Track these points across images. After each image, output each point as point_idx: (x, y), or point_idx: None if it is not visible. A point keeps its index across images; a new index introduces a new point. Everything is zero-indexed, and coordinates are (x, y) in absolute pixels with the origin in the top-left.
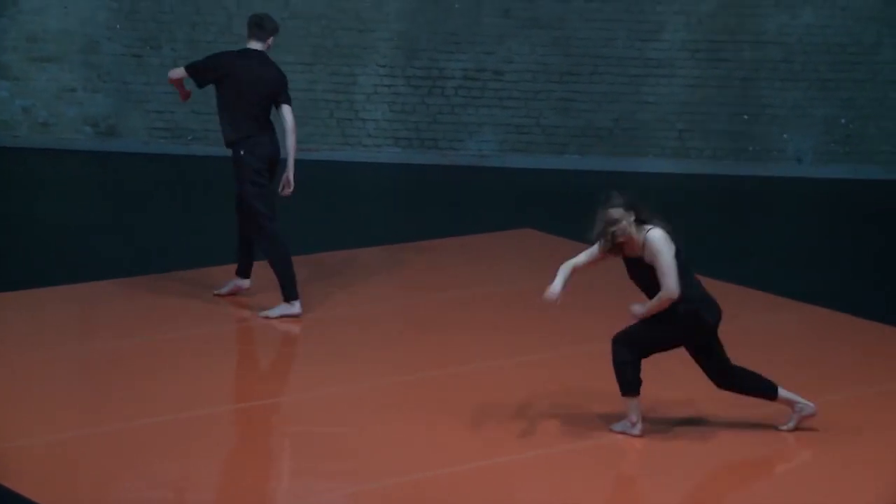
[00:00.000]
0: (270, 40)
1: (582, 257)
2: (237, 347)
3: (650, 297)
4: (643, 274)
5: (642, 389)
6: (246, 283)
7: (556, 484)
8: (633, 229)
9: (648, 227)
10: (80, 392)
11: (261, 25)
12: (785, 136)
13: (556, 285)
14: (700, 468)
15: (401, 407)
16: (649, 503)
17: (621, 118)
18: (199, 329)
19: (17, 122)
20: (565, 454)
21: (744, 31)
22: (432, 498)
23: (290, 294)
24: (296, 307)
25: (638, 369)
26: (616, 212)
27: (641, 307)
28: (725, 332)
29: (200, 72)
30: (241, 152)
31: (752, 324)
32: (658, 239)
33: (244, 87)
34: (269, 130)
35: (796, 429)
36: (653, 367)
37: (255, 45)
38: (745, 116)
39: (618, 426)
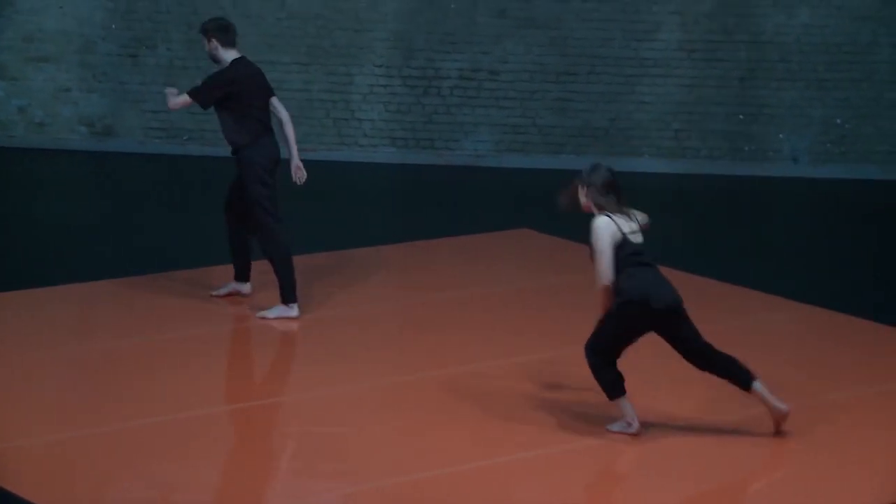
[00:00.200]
0: None
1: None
2: (235, 348)
3: None
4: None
5: (639, 389)
6: (246, 287)
7: (554, 484)
8: (587, 201)
9: (602, 213)
10: (79, 392)
11: (233, 30)
12: (781, 135)
13: None
14: (698, 468)
15: (399, 407)
16: (647, 503)
17: (618, 118)
18: (197, 329)
19: (12, 122)
20: (564, 454)
21: (740, 31)
22: (431, 498)
23: (288, 297)
24: (293, 310)
25: (614, 370)
26: (590, 175)
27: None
28: (723, 332)
29: (206, 94)
30: (249, 154)
31: (748, 324)
32: (598, 226)
33: (250, 95)
34: (272, 132)
35: (776, 432)
36: (653, 368)
37: (234, 51)
38: (742, 116)
39: (615, 426)
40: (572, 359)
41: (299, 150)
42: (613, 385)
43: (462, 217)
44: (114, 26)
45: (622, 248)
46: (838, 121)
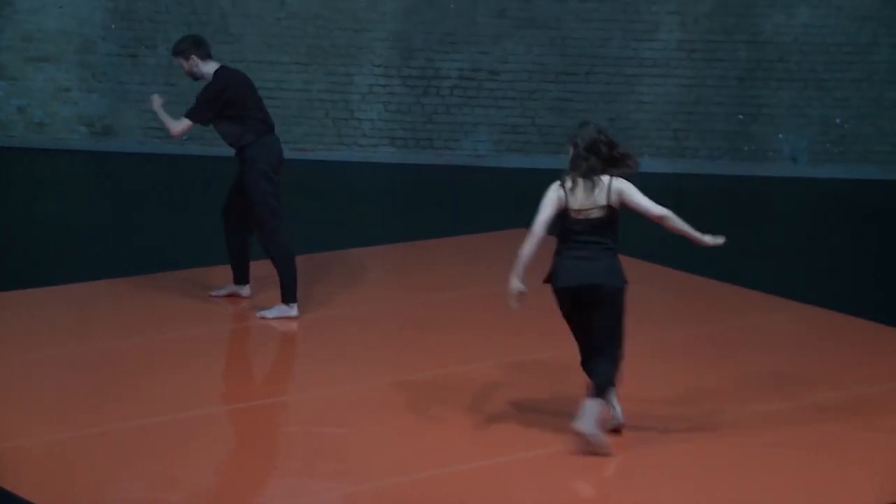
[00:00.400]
0: None
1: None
2: (235, 348)
3: None
4: None
5: (638, 389)
6: (246, 290)
7: (554, 484)
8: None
9: (564, 177)
10: (79, 392)
11: (207, 42)
12: (781, 135)
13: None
14: (697, 468)
15: (399, 407)
16: (647, 503)
17: (617, 118)
18: (197, 329)
19: (12, 122)
20: (564, 454)
21: (739, 31)
22: (430, 498)
23: (289, 296)
24: (293, 310)
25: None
26: (576, 135)
27: None
28: (723, 332)
29: (204, 111)
30: (253, 153)
31: (748, 324)
32: (549, 188)
33: (244, 97)
34: (273, 130)
35: (612, 430)
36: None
37: (212, 62)
38: (741, 116)
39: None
40: (572, 359)
41: (299, 148)
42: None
43: (462, 217)
44: (113, 26)
45: (563, 220)
46: (838, 121)
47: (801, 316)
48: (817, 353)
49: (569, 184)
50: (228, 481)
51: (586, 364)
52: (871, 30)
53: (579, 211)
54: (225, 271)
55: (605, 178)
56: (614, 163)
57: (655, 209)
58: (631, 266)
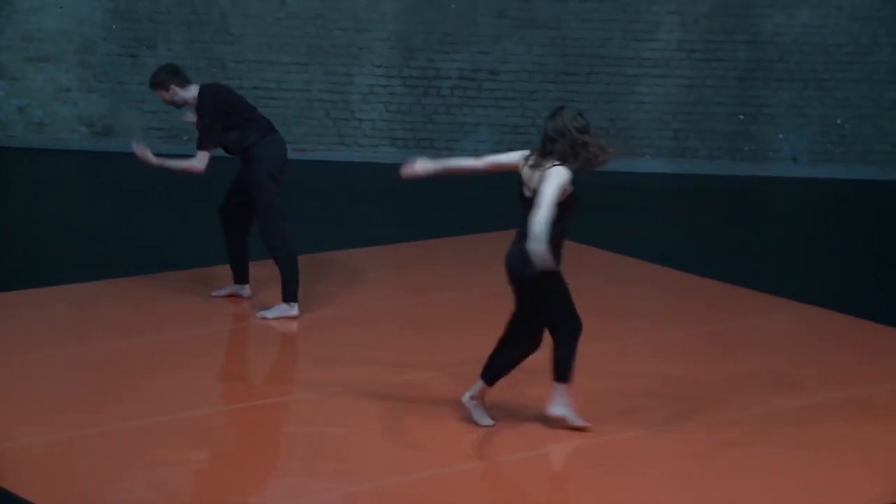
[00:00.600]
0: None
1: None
2: (235, 348)
3: None
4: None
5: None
6: (246, 290)
7: (554, 484)
8: None
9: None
10: (79, 392)
11: (181, 68)
12: (781, 135)
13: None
14: (697, 468)
15: (399, 407)
16: (647, 503)
17: (617, 118)
18: (197, 329)
19: (12, 122)
20: (564, 454)
21: (739, 31)
22: (430, 498)
23: (290, 296)
24: (294, 309)
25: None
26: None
27: None
28: (723, 332)
29: (212, 136)
30: (258, 152)
31: (748, 324)
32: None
33: (237, 105)
34: (276, 130)
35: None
36: (652, 370)
37: (192, 84)
38: (742, 116)
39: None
40: None
41: (299, 149)
42: None
43: (462, 217)
44: (114, 26)
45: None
46: (838, 121)
47: (801, 316)
48: (817, 353)
49: (531, 158)
50: (228, 481)
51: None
52: (871, 30)
53: (523, 185)
54: (225, 271)
55: (549, 163)
56: (576, 153)
57: (538, 211)
58: (631, 266)
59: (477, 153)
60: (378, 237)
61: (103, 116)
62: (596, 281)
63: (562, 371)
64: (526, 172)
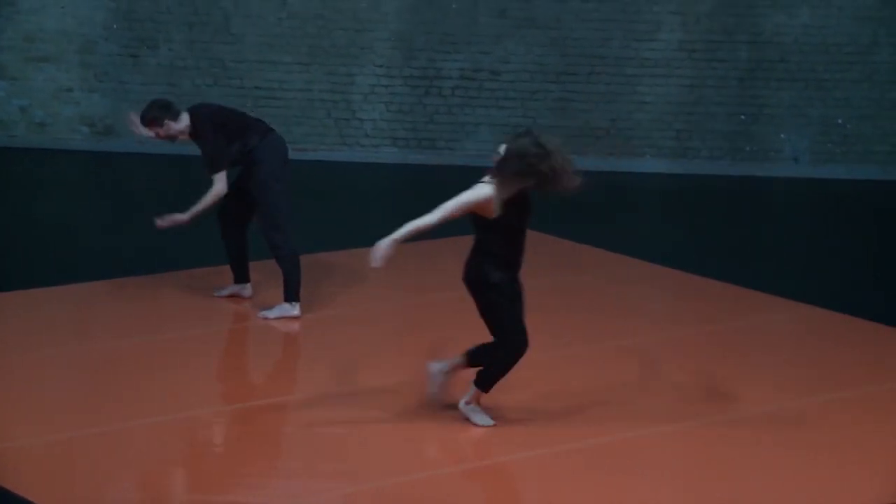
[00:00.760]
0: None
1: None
2: (235, 348)
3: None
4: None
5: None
6: (247, 289)
7: (554, 484)
8: None
9: None
10: (79, 392)
11: (169, 100)
12: (782, 136)
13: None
14: (697, 468)
15: (399, 407)
16: (647, 503)
17: (618, 118)
18: (197, 329)
19: (13, 122)
20: (564, 454)
21: (740, 31)
22: (430, 498)
23: (292, 295)
24: (296, 309)
25: None
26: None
27: None
28: (723, 332)
29: (221, 159)
30: (260, 153)
31: (748, 324)
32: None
33: (230, 117)
34: (273, 130)
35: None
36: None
37: (183, 113)
38: (743, 116)
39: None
40: (572, 359)
41: (300, 149)
42: None
43: (463, 217)
44: (115, 26)
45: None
46: (839, 121)
47: (802, 316)
48: (817, 353)
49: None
50: (228, 481)
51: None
52: (871, 30)
53: None
54: (226, 271)
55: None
56: (526, 175)
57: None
58: (631, 266)
59: (478, 154)
60: (379, 237)
61: (104, 116)
62: (596, 281)
63: (482, 379)
64: None
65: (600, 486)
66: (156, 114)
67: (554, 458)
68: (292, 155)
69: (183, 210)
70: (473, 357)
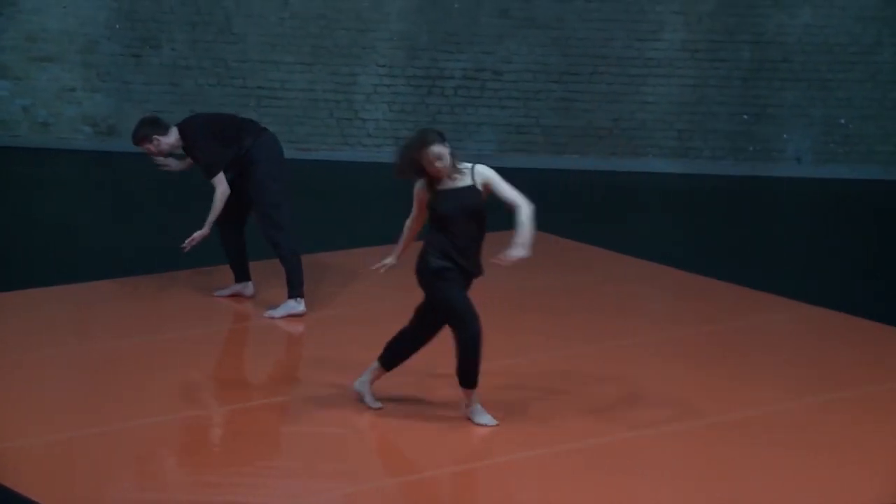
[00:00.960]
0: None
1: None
2: (236, 348)
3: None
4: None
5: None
6: (249, 288)
7: (554, 484)
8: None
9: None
10: (79, 392)
11: (158, 117)
12: (784, 136)
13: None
14: (697, 468)
15: (399, 407)
16: (647, 503)
17: (621, 118)
18: (198, 329)
19: (16, 122)
20: (564, 454)
21: (743, 31)
22: (430, 498)
23: (296, 291)
24: (301, 305)
25: None
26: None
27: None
28: (724, 332)
29: (219, 159)
30: (256, 153)
31: (751, 324)
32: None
33: (221, 118)
34: (267, 130)
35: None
36: (650, 370)
37: (172, 127)
38: (745, 116)
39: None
40: (573, 359)
41: (303, 148)
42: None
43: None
44: (117, 26)
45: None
46: (842, 121)
47: (803, 316)
48: (817, 353)
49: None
50: (228, 482)
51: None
52: (874, 30)
53: None
54: (226, 271)
55: None
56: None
57: None
58: (633, 266)
59: (481, 153)
60: (381, 237)
61: (107, 116)
62: (598, 280)
63: (462, 377)
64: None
65: (600, 486)
66: (145, 131)
67: (554, 458)
68: (295, 155)
69: (183, 209)
70: (386, 360)
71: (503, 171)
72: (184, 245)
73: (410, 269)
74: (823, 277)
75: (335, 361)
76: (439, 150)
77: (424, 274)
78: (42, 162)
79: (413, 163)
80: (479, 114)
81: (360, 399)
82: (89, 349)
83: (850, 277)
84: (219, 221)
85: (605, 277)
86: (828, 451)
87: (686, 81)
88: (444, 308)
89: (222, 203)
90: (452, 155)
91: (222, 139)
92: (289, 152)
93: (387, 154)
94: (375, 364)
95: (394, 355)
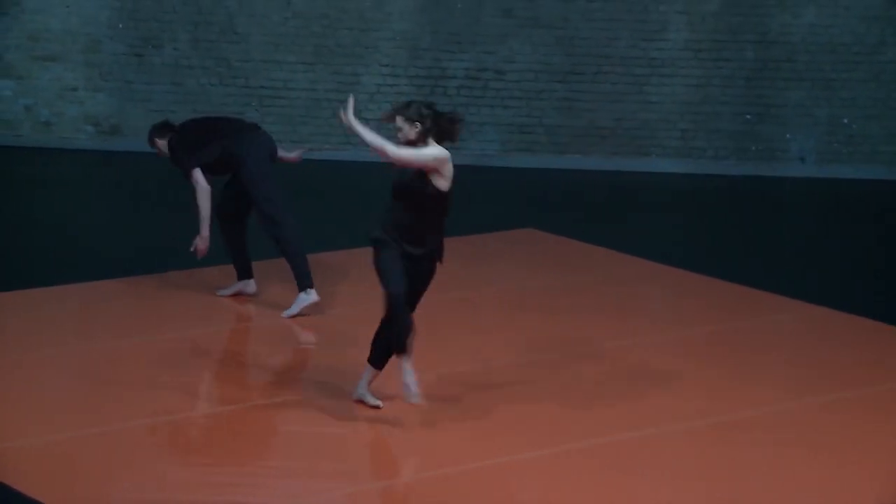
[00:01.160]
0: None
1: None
2: (236, 348)
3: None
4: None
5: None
6: (251, 285)
7: (554, 484)
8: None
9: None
10: (79, 392)
11: (163, 121)
12: (788, 135)
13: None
14: (697, 468)
15: (398, 407)
16: (647, 503)
17: (624, 118)
18: (198, 329)
19: (19, 122)
20: (564, 454)
21: (747, 31)
22: (431, 498)
23: (305, 282)
24: (313, 295)
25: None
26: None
27: None
28: (724, 332)
29: (195, 161)
30: (240, 151)
31: (752, 324)
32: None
33: (213, 121)
34: (258, 129)
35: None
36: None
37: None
38: (749, 116)
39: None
40: (575, 360)
41: (308, 148)
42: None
43: (467, 217)
44: (120, 25)
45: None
46: (845, 121)
47: (804, 316)
48: (818, 353)
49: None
50: (228, 481)
51: None
52: (878, 30)
53: None
54: (226, 271)
55: None
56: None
57: None
58: (631, 265)
59: (483, 153)
60: None
61: (109, 116)
62: (600, 280)
63: (393, 343)
64: None
65: (600, 485)
66: (150, 134)
67: (554, 458)
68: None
69: (183, 209)
70: (375, 359)
71: (506, 171)
72: (194, 253)
73: None
74: (826, 277)
75: (335, 361)
76: (399, 123)
77: (370, 241)
78: (44, 161)
79: (391, 118)
80: (481, 113)
81: (364, 401)
82: (89, 349)
83: (853, 277)
84: (220, 219)
85: (606, 277)
86: (828, 451)
87: (689, 81)
88: (378, 272)
89: (206, 202)
90: (419, 135)
91: (195, 142)
92: (291, 152)
93: None
94: (367, 367)
95: (380, 351)
